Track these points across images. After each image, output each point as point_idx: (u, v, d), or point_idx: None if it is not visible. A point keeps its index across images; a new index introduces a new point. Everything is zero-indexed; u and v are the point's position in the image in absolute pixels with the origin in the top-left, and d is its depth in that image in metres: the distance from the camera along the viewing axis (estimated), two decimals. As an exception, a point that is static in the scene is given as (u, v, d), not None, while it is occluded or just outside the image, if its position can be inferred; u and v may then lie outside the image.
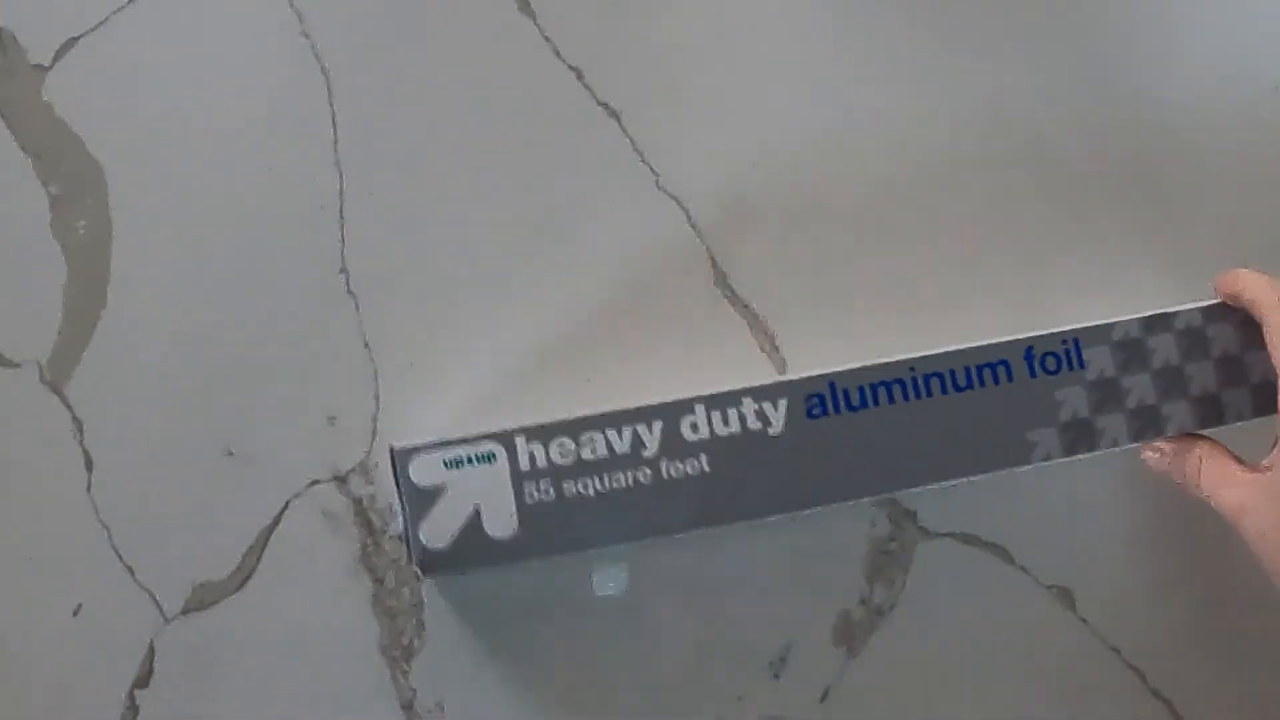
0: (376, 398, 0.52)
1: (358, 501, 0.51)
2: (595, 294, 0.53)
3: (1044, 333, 0.48)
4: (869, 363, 0.47)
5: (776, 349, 0.53)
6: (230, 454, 0.51)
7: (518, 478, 0.45)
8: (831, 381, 0.47)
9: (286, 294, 0.53)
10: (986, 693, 0.52)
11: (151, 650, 0.50)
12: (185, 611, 0.50)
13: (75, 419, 0.51)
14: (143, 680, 0.50)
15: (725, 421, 0.46)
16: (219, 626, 0.50)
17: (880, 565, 0.52)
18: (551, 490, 0.45)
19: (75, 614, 0.50)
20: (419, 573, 0.46)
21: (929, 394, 0.47)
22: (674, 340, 0.53)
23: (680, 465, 0.46)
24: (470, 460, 0.45)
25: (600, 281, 0.53)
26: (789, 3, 0.56)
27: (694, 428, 0.46)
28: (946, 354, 0.48)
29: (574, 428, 0.46)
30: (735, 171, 0.54)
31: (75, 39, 0.55)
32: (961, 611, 0.52)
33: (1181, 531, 0.53)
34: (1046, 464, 0.47)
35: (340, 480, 0.51)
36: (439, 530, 0.45)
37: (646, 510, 0.45)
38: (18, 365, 0.52)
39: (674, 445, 0.46)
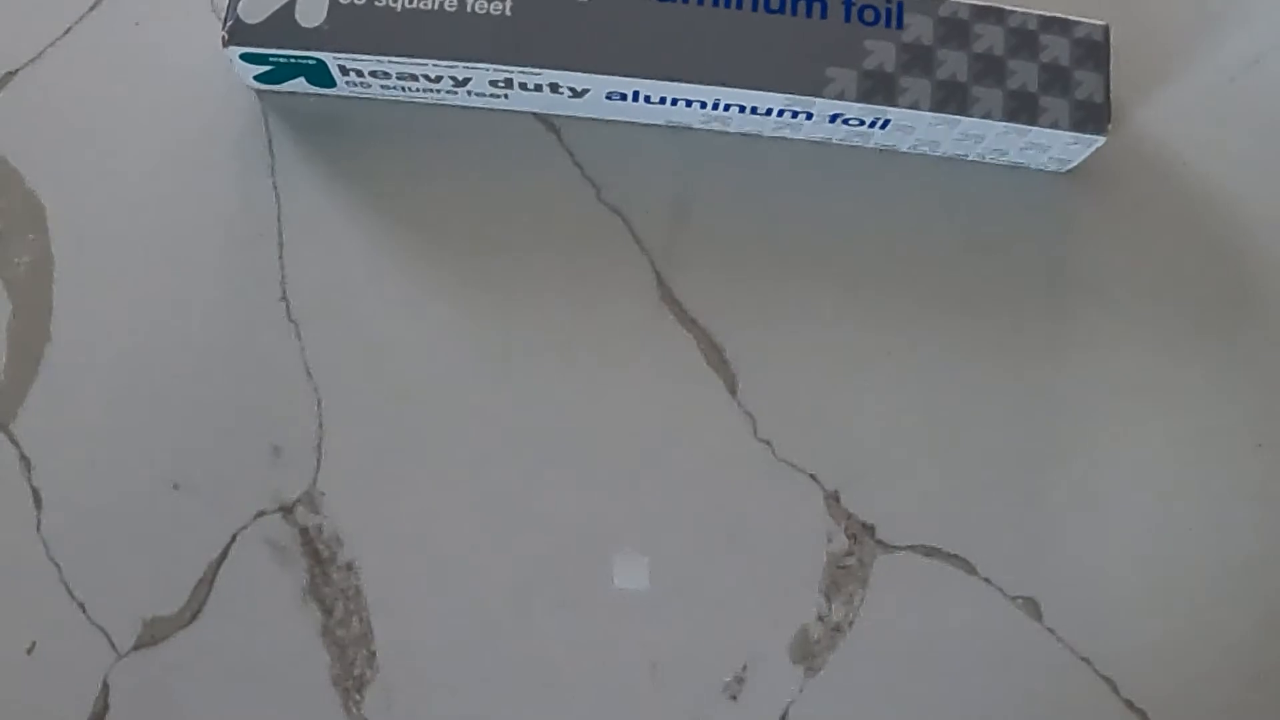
0: (320, 425, 0.51)
1: (304, 531, 0.51)
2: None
3: None
4: None
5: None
6: (176, 487, 0.51)
7: None
8: None
9: (228, 324, 0.52)
10: (953, 708, 0.50)
11: (106, 687, 0.50)
12: (138, 647, 0.50)
13: (23, 456, 0.51)
14: (98, 717, 0.50)
15: None
16: (171, 661, 0.50)
17: (838, 581, 0.51)
18: None
19: (29, 652, 0.50)
20: (225, 39, 0.50)
21: (739, 5, 0.50)
22: None
23: (485, 4, 0.50)
24: None
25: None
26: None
27: None
28: None
29: None
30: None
31: (13, 72, 0.54)
32: (924, 626, 0.51)
33: (1157, 535, 0.52)
34: (838, 103, 0.50)
35: (286, 510, 0.51)
36: (256, 7, 0.50)
37: (445, 35, 0.50)
38: (-36, 404, 0.52)
39: None
